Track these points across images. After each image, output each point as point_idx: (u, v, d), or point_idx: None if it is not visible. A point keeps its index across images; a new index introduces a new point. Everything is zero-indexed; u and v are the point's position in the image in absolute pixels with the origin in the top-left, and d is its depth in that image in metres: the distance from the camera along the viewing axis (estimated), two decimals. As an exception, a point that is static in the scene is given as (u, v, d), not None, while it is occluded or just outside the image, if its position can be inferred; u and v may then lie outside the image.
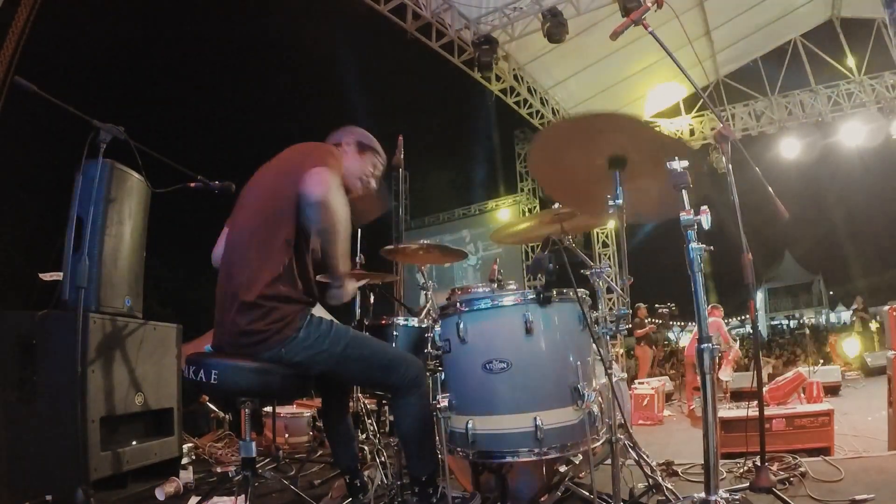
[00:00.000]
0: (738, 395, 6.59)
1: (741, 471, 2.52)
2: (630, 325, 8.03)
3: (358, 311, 3.12)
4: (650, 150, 1.90)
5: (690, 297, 1.74)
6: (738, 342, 7.96)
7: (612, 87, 9.44)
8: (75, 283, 2.18)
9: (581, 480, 2.32)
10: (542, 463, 1.97)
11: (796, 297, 31.33)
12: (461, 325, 1.88)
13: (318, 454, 3.40)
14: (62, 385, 2.31)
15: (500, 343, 1.86)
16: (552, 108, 9.45)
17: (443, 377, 1.97)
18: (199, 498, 2.26)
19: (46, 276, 2.88)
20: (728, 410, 3.93)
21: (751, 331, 2.66)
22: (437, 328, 2.06)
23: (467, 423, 1.83)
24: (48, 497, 2.30)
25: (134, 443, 2.74)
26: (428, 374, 2.02)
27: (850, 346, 10.34)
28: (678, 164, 1.77)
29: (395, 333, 2.47)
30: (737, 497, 1.92)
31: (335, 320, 1.97)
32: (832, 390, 7.04)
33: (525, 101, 8.79)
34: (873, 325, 10.51)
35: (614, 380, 1.98)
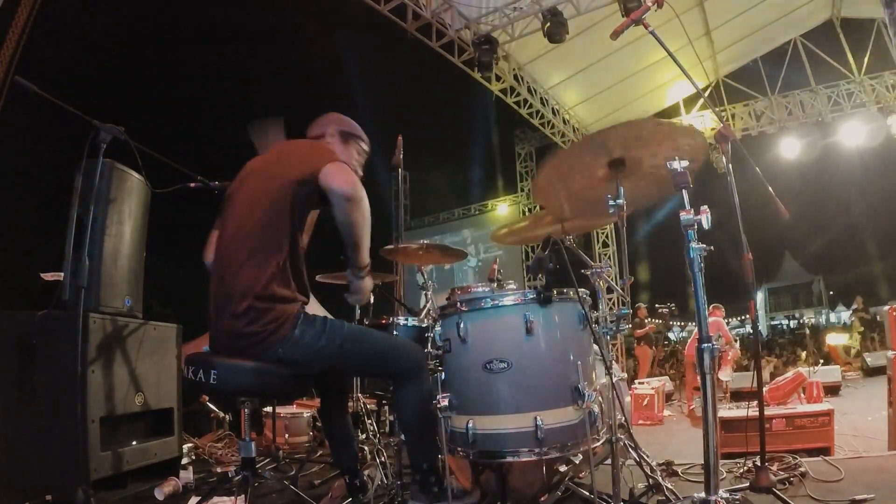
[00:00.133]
0: (738, 395, 6.59)
1: (741, 471, 2.52)
2: (630, 325, 8.06)
3: (358, 310, 3.12)
4: (648, 142, 1.90)
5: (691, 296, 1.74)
6: (738, 342, 7.95)
7: (612, 87, 9.43)
8: (75, 283, 2.18)
9: (581, 480, 2.32)
10: (542, 463, 1.97)
11: (796, 297, 31.33)
12: (461, 325, 1.88)
13: (318, 454, 3.40)
14: (62, 385, 2.31)
15: (500, 343, 1.86)
16: (552, 108, 9.45)
17: (443, 377, 1.96)
18: (199, 498, 2.26)
19: (47, 276, 2.88)
20: (728, 410, 3.93)
21: (751, 331, 2.66)
22: (438, 328, 2.06)
23: (468, 422, 1.83)
24: (48, 497, 2.30)
25: (134, 443, 2.74)
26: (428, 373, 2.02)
27: (836, 339, 10.41)
28: (678, 164, 1.77)
29: (395, 333, 2.47)
30: (737, 497, 1.92)
31: (329, 316, 1.97)
32: (832, 390, 7.04)
33: (525, 101, 8.79)
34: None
35: (614, 380, 1.98)
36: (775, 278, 30.80)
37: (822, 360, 9.13)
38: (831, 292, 29.08)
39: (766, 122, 9.97)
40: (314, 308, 2.11)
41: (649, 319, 9.40)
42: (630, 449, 2.26)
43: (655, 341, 9.93)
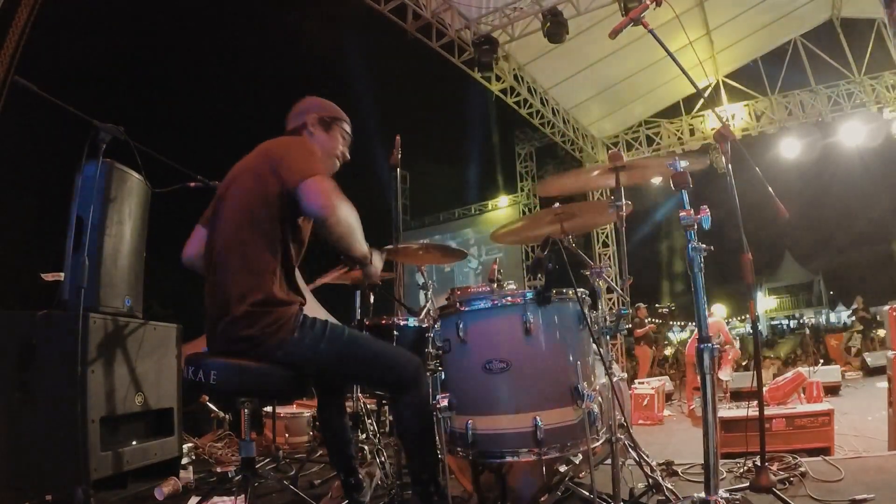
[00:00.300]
0: (738, 395, 6.60)
1: (741, 471, 2.52)
2: (630, 325, 8.06)
3: (358, 311, 3.12)
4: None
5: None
6: (738, 342, 7.96)
7: (612, 87, 9.43)
8: (75, 283, 2.18)
9: (581, 480, 2.32)
10: (542, 463, 1.97)
11: (796, 297, 31.35)
12: (461, 325, 1.88)
13: (318, 454, 3.40)
14: (62, 385, 2.31)
15: (499, 343, 1.86)
16: (552, 108, 9.45)
17: (443, 377, 1.97)
18: (199, 498, 2.26)
19: (47, 276, 2.88)
20: (728, 410, 3.94)
21: (751, 331, 2.66)
22: (437, 328, 2.06)
23: (467, 422, 1.83)
24: (48, 497, 2.30)
25: (134, 443, 2.74)
26: (428, 374, 2.02)
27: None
28: (678, 164, 1.77)
29: (395, 333, 2.47)
30: (737, 497, 1.92)
31: (330, 320, 1.96)
32: (832, 390, 7.04)
33: (525, 101, 8.79)
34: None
35: (614, 380, 1.98)
36: (775, 278, 30.82)
37: (822, 360, 9.13)
38: (831, 292, 29.10)
39: (765, 122, 9.97)
40: (315, 309, 2.12)
41: (649, 319, 9.40)
42: (630, 449, 2.26)
43: (655, 341, 9.93)
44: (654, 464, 2.33)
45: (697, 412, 6.01)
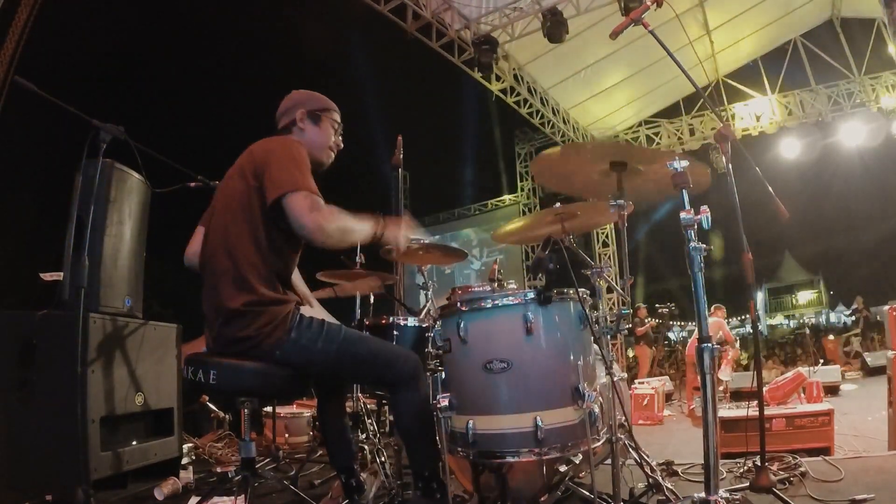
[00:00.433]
0: (738, 395, 6.60)
1: (741, 471, 2.52)
2: (630, 325, 8.05)
3: (358, 311, 3.12)
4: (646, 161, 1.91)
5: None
6: (738, 342, 7.96)
7: (612, 87, 9.44)
8: (75, 283, 2.18)
9: (581, 480, 2.32)
10: (542, 463, 1.97)
11: (796, 297, 31.34)
12: (461, 325, 1.88)
13: (318, 454, 3.40)
14: (62, 385, 2.31)
15: (500, 343, 1.86)
16: (552, 108, 9.45)
17: (443, 377, 1.96)
18: (199, 498, 2.26)
19: (47, 276, 2.88)
20: (728, 410, 3.94)
21: (751, 331, 2.66)
22: (438, 328, 2.06)
23: (468, 422, 1.82)
24: (48, 497, 2.30)
25: (134, 443, 2.73)
26: (428, 373, 2.02)
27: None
28: (678, 164, 1.77)
29: (395, 333, 2.47)
30: (737, 497, 1.92)
31: (328, 319, 1.96)
32: (832, 390, 7.04)
33: (525, 100, 8.79)
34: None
35: (614, 379, 1.98)
36: (775, 278, 30.82)
37: (822, 360, 9.14)
38: (831, 292, 29.10)
39: (765, 122, 9.97)
40: (316, 310, 2.11)
41: (649, 319, 9.39)
42: (630, 449, 2.26)
43: (655, 341, 9.93)
44: (654, 464, 2.33)
45: (697, 412, 6.01)
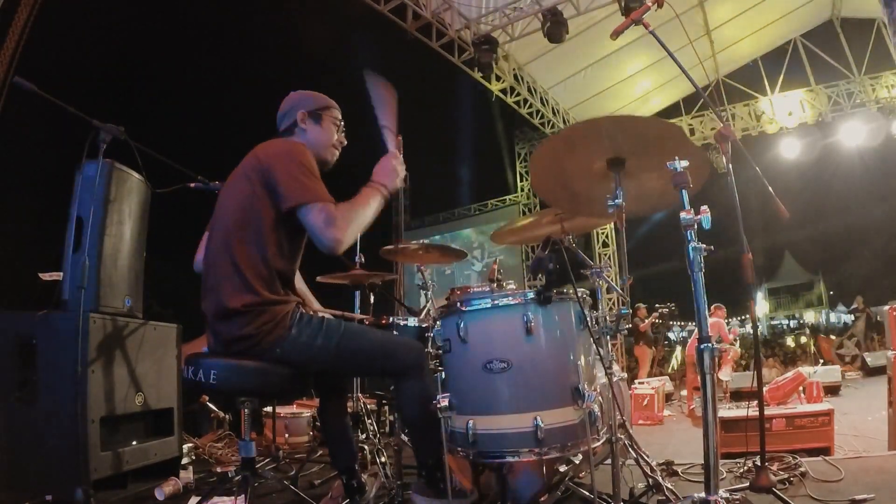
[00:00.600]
0: (738, 395, 6.60)
1: (741, 471, 2.52)
2: (630, 325, 8.04)
3: (358, 310, 3.13)
4: (648, 146, 1.90)
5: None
6: (738, 342, 7.96)
7: (612, 87, 9.44)
8: (75, 283, 2.18)
9: (581, 480, 2.32)
10: (542, 463, 1.97)
11: (796, 297, 31.35)
12: (461, 325, 1.88)
13: (318, 454, 3.40)
14: (62, 385, 2.31)
15: (500, 343, 1.86)
16: (552, 108, 9.45)
17: (443, 377, 1.96)
18: (199, 498, 2.26)
19: (46, 276, 2.88)
20: (728, 410, 3.94)
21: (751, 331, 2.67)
22: (438, 328, 2.06)
23: (468, 422, 1.83)
24: (48, 497, 2.30)
25: (134, 443, 2.74)
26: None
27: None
28: (678, 164, 1.77)
29: (395, 333, 2.47)
30: (737, 497, 1.92)
31: (326, 315, 1.97)
32: (832, 390, 7.04)
33: (525, 100, 8.79)
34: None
35: (614, 380, 1.98)
36: (775, 278, 30.82)
37: (821, 361, 9.14)
38: (831, 292, 29.10)
39: (765, 122, 9.97)
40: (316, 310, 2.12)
41: (647, 318, 9.38)
42: (630, 449, 2.26)
43: (655, 341, 9.93)
44: (654, 464, 2.33)
45: (697, 412, 6.01)
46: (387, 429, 4.11)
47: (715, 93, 9.82)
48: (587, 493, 2.04)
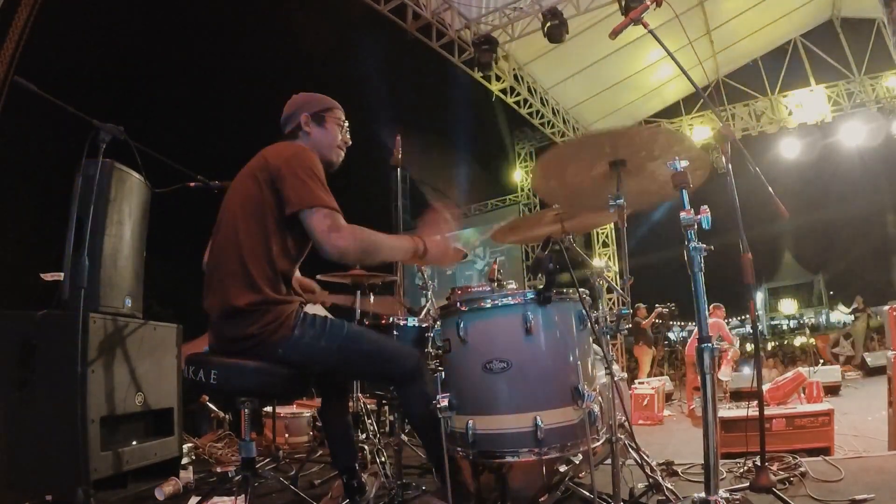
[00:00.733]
0: (738, 395, 6.60)
1: (741, 471, 2.52)
2: (630, 325, 8.04)
3: (357, 311, 3.12)
4: (647, 148, 1.91)
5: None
6: (738, 342, 7.96)
7: (612, 87, 9.44)
8: (75, 283, 2.18)
9: (581, 480, 2.32)
10: (542, 463, 1.97)
11: (796, 297, 31.35)
12: (461, 325, 1.88)
13: (318, 454, 3.40)
14: (62, 385, 2.31)
15: (500, 343, 1.86)
16: (552, 108, 9.45)
17: (443, 377, 1.96)
18: (199, 498, 2.26)
19: (47, 276, 2.88)
20: (728, 410, 3.93)
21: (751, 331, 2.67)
22: (438, 328, 2.06)
23: (467, 422, 1.82)
24: (48, 497, 2.30)
25: (134, 443, 2.74)
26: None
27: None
28: (678, 164, 1.77)
29: (395, 333, 2.47)
30: (737, 497, 1.92)
31: (329, 316, 1.97)
32: (832, 390, 7.04)
33: (525, 100, 8.79)
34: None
35: (614, 379, 1.98)
36: (775, 278, 30.84)
37: (821, 361, 9.13)
38: (831, 292, 29.10)
39: (765, 122, 9.97)
40: (317, 308, 2.12)
41: (650, 317, 9.37)
42: (630, 449, 2.26)
43: (655, 341, 9.93)
44: (654, 464, 2.33)
45: (697, 412, 6.01)
46: (387, 429, 4.11)
47: (715, 93, 9.83)
48: (587, 493, 2.04)
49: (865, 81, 9.38)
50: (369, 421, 3.15)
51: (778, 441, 3.26)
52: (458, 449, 1.89)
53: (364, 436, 3.05)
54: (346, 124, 2.14)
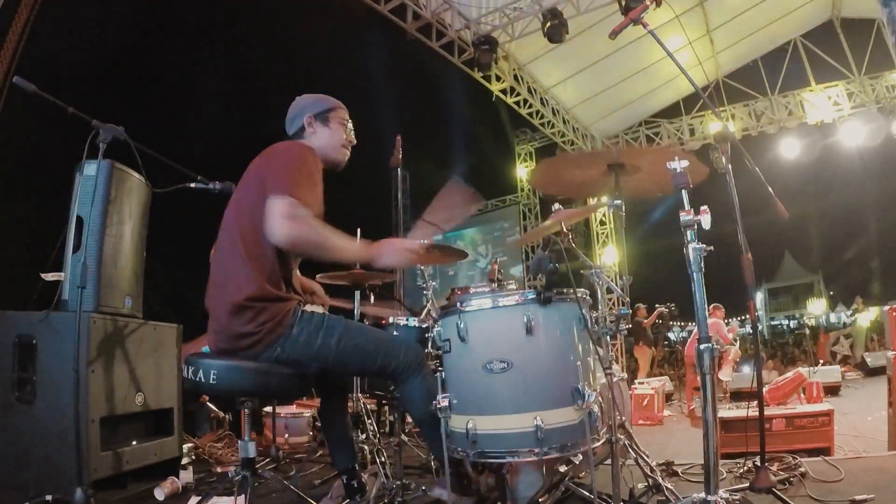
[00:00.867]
0: (738, 395, 6.59)
1: (741, 471, 2.52)
2: (630, 325, 8.04)
3: (357, 311, 3.13)
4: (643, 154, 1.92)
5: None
6: (738, 342, 7.96)
7: (612, 87, 9.43)
8: (75, 283, 2.18)
9: (581, 480, 2.32)
10: (542, 463, 1.97)
11: (796, 297, 31.36)
12: (461, 325, 1.88)
13: (318, 454, 3.40)
14: (62, 385, 2.31)
15: (500, 343, 1.86)
16: (552, 108, 9.44)
17: (443, 377, 1.96)
18: (199, 498, 2.26)
19: (47, 276, 2.88)
20: (728, 410, 3.93)
21: (751, 331, 2.67)
22: (438, 328, 2.06)
23: (468, 423, 1.82)
24: (48, 497, 2.30)
25: (134, 443, 2.74)
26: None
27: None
28: (678, 164, 1.77)
29: (395, 333, 2.47)
30: (737, 497, 1.92)
31: (327, 313, 1.97)
32: (832, 390, 7.04)
33: (525, 101, 8.78)
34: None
35: (614, 380, 1.98)
36: (775, 278, 30.85)
37: (821, 361, 9.13)
38: (831, 292, 29.12)
39: (765, 122, 9.97)
40: (317, 307, 2.12)
41: (651, 317, 9.38)
42: (630, 449, 2.26)
43: (655, 341, 9.93)
44: (654, 464, 2.33)
45: (697, 412, 6.00)
46: (387, 429, 4.11)
47: (715, 93, 9.82)
48: (587, 494, 2.04)
49: (865, 81, 9.37)
50: (369, 421, 3.15)
51: (778, 441, 3.26)
52: (459, 449, 1.89)
53: (364, 436, 3.05)
54: (350, 123, 2.15)
